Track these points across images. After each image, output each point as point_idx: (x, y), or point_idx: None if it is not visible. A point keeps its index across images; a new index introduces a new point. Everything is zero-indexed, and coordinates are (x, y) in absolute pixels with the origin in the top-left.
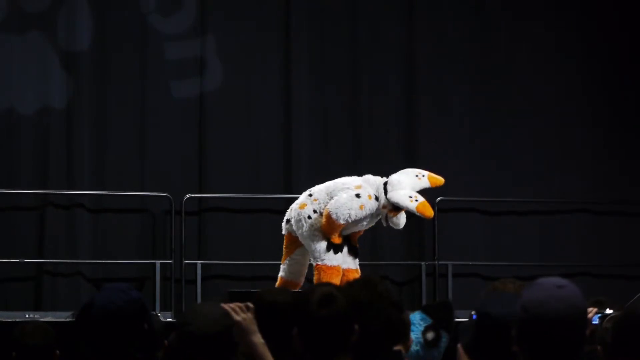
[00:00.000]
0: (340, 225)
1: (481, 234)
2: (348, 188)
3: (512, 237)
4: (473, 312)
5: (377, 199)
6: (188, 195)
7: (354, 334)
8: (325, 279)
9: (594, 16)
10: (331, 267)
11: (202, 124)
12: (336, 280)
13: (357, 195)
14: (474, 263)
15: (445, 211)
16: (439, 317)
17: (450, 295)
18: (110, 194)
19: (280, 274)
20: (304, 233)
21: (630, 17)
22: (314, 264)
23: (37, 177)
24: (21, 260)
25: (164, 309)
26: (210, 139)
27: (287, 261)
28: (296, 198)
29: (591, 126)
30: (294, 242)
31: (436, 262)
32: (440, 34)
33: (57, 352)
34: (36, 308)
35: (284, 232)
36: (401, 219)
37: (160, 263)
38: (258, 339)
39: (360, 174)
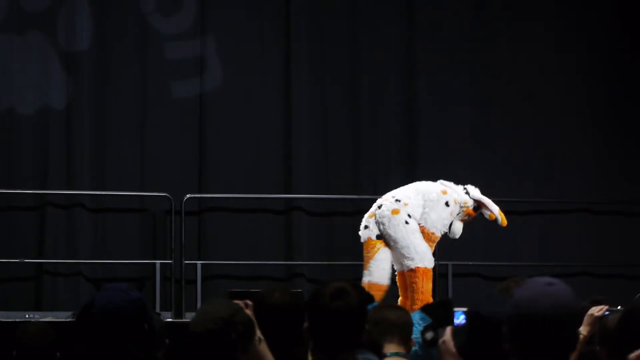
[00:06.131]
0: (439, 238)
1: (481, 234)
2: (437, 197)
3: (512, 237)
4: (463, 310)
5: (458, 202)
6: (188, 195)
7: (364, 334)
8: (426, 282)
9: (595, 15)
10: (430, 270)
11: (202, 123)
12: (431, 286)
13: (447, 204)
14: (474, 263)
15: None
16: (439, 317)
17: (450, 296)
18: (110, 194)
19: (366, 279)
20: (403, 238)
21: (631, 16)
22: (413, 266)
23: (37, 177)
24: (21, 260)
25: (164, 309)
26: (210, 139)
27: (371, 265)
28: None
29: (591, 126)
30: (374, 245)
31: (436, 262)
32: (440, 33)
33: (58, 354)
34: (36, 308)
35: (363, 239)
36: (460, 228)
37: (160, 263)
38: (257, 335)
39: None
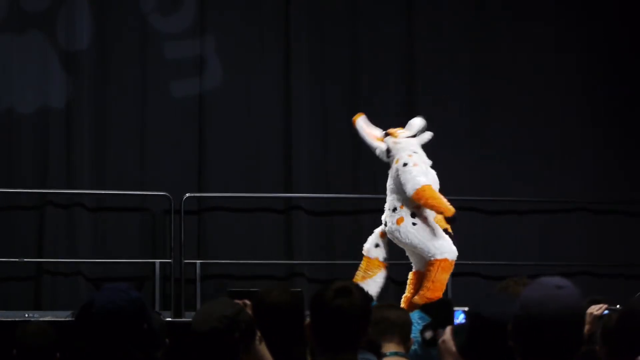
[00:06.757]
0: (430, 186)
1: (481, 233)
2: (401, 171)
3: (512, 237)
4: (463, 310)
5: (414, 152)
6: (187, 195)
7: (366, 334)
8: (441, 273)
9: (595, 15)
10: (449, 262)
11: (202, 123)
12: (446, 277)
13: (405, 165)
14: (473, 262)
15: None
16: (438, 316)
17: (449, 295)
18: (109, 193)
19: None
20: (419, 240)
21: (630, 16)
22: (432, 259)
23: (36, 177)
24: (21, 260)
25: (163, 308)
26: (209, 138)
27: (368, 283)
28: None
29: (591, 126)
30: (378, 266)
31: None
32: (440, 32)
33: (58, 354)
34: (36, 307)
35: (370, 256)
36: (414, 121)
37: (160, 262)
38: (257, 335)
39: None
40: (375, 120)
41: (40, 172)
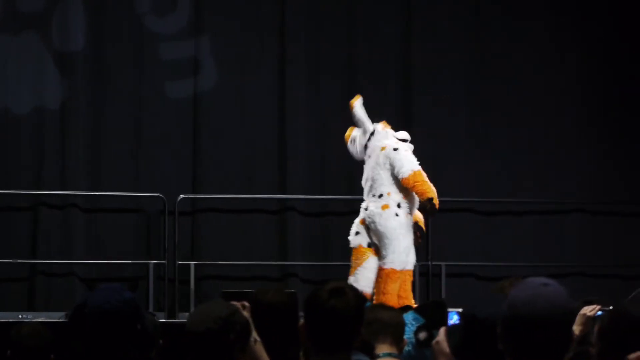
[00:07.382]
0: (422, 172)
1: (477, 234)
2: (387, 157)
3: (508, 238)
4: (457, 311)
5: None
6: (182, 196)
7: (359, 335)
8: (391, 284)
9: (593, 16)
10: (397, 272)
11: (197, 124)
12: (396, 287)
13: (395, 149)
14: (467, 264)
15: (440, 211)
16: (432, 317)
17: (443, 296)
18: (104, 194)
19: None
20: (391, 233)
21: (628, 17)
22: (382, 266)
23: (31, 178)
24: (15, 261)
25: (157, 309)
26: (204, 140)
27: (358, 272)
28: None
29: (589, 127)
30: (364, 253)
31: (429, 262)
32: (438, 33)
33: (52, 356)
34: (30, 308)
35: (353, 245)
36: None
37: (154, 263)
38: (254, 336)
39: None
40: (374, 121)
41: (35, 173)
